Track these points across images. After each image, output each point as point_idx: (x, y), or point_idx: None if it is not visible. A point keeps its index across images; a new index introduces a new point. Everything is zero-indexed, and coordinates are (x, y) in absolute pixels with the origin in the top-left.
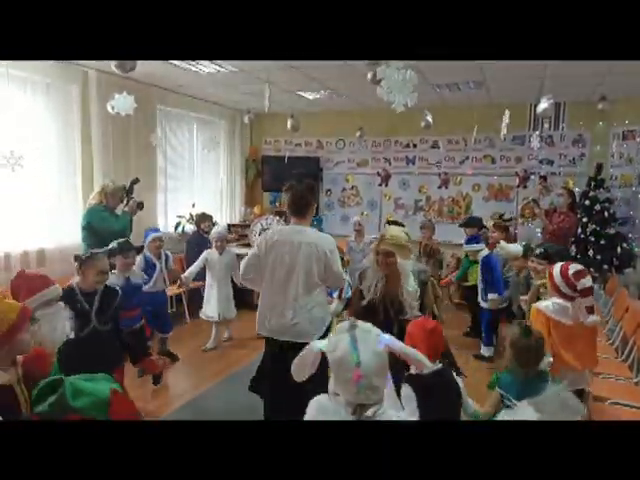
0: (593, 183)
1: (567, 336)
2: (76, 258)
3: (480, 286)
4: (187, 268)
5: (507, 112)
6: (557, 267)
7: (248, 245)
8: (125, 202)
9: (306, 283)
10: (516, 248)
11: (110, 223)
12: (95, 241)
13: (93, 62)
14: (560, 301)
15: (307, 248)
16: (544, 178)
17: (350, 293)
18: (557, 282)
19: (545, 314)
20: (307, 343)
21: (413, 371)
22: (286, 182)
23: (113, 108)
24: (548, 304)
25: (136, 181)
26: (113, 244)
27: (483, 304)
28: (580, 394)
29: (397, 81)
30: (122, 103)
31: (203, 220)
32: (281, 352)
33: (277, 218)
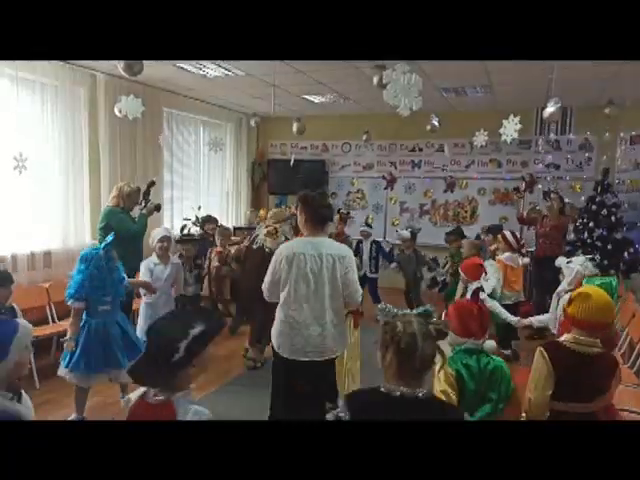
0: (600, 188)
1: (514, 272)
2: None
3: (369, 261)
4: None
5: (512, 116)
6: (508, 233)
7: None
8: (143, 204)
9: (332, 297)
10: (406, 232)
11: (128, 225)
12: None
13: (101, 65)
14: (509, 254)
15: (329, 259)
16: (517, 189)
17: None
18: (510, 241)
19: (504, 262)
20: (330, 360)
21: None
22: (296, 190)
23: (121, 111)
24: (506, 256)
25: (153, 184)
26: None
27: (370, 275)
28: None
29: (403, 85)
30: (130, 106)
31: (208, 222)
32: (302, 373)
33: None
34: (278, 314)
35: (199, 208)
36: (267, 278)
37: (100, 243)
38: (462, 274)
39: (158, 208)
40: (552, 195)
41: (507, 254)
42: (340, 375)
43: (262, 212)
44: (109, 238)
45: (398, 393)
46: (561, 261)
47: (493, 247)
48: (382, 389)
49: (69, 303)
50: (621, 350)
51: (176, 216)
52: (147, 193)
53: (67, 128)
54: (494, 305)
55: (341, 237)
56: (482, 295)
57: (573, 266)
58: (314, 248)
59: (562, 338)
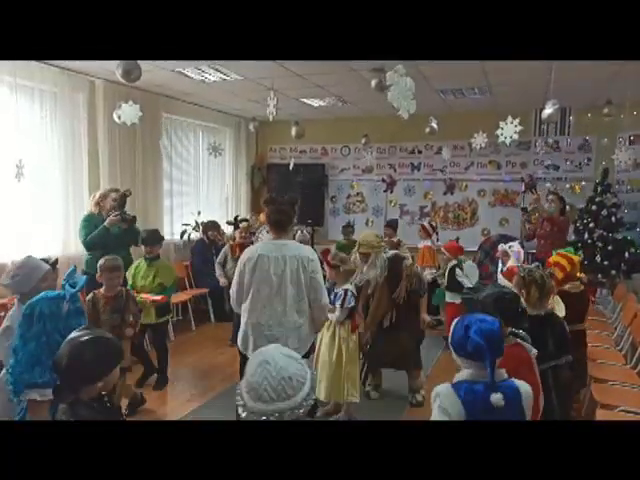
0: (600, 188)
1: (430, 253)
2: None
3: None
4: (192, 275)
5: (510, 118)
6: (426, 223)
7: None
8: (107, 214)
9: (296, 297)
10: (306, 234)
11: (81, 234)
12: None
13: (100, 71)
14: (429, 240)
15: (293, 261)
16: (525, 210)
17: (353, 302)
18: (428, 229)
19: (429, 245)
20: None
21: None
22: (296, 194)
23: (119, 117)
24: (427, 242)
25: (127, 194)
26: None
27: None
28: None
29: (402, 88)
30: (128, 112)
31: (210, 228)
32: None
33: None
34: (242, 316)
35: (199, 213)
36: (234, 282)
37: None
38: (445, 252)
39: (127, 220)
40: (550, 196)
41: (427, 241)
42: (339, 379)
43: (262, 216)
44: (80, 281)
45: (543, 312)
46: (505, 247)
47: (396, 240)
48: (534, 313)
49: (27, 397)
50: (623, 351)
51: (176, 221)
52: (121, 204)
53: (66, 134)
54: (464, 281)
55: None
56: (458, 272)
57: (516, 249)
58: (277, 250)
59: (566, 287)
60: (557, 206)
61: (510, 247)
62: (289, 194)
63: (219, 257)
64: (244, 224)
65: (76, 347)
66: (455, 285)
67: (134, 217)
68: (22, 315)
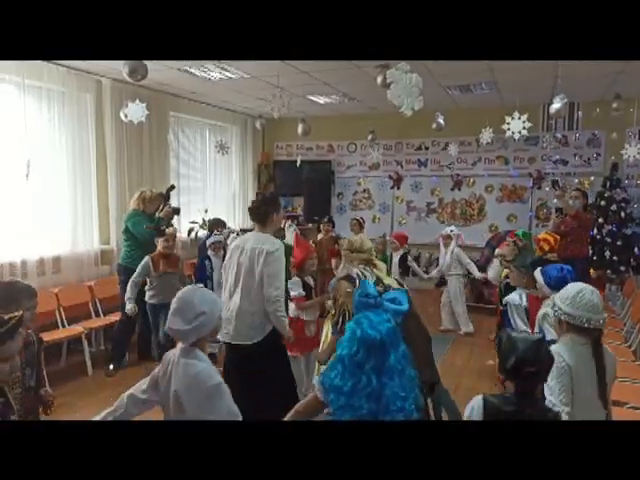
0: (609, 183)
1: None
2: None
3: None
4: (198, 273)
5: (516, 113)
6: (360, 219)
7: None
8: (161, 208)
9: (247, 286)
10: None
11: (140, 228)
12: (132, 244)
13: (107, 71)
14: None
15: (251, 252)
16: (559, 210)
17: None
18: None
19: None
20: (246, 345)
21: None
22: (303, 191)
23: (126, 116)
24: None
25: (172, 188)
26: None
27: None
28: None
29: (405, 85)
30: (134, 111)
31: (216, 226)
32: (235, 356)
33: (289, 222)
34: None
35: (206, 211)
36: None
37: (124, 243)
38: (394, 241)
39: (177, 211)
40: (575, 192)
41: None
42: None
43: None
44: (400, 296)
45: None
46: (447, 231)
47: (335, 235)
48: None
49: None
50: (632, 347)
51: (183, 219)
52: (167, 197)
53: (74, 133)
54: (414, 265)
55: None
56: (409, 258)
57: (456, 232)
58: (245, 241)
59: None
60: (581, 202)
61: (452, 231)
62: (270, 192)
63: (136, 274)
64: (170, 230)
65: (540, 348)
66: (408, 270)
67: (179, 208)
68: (361, 343)
